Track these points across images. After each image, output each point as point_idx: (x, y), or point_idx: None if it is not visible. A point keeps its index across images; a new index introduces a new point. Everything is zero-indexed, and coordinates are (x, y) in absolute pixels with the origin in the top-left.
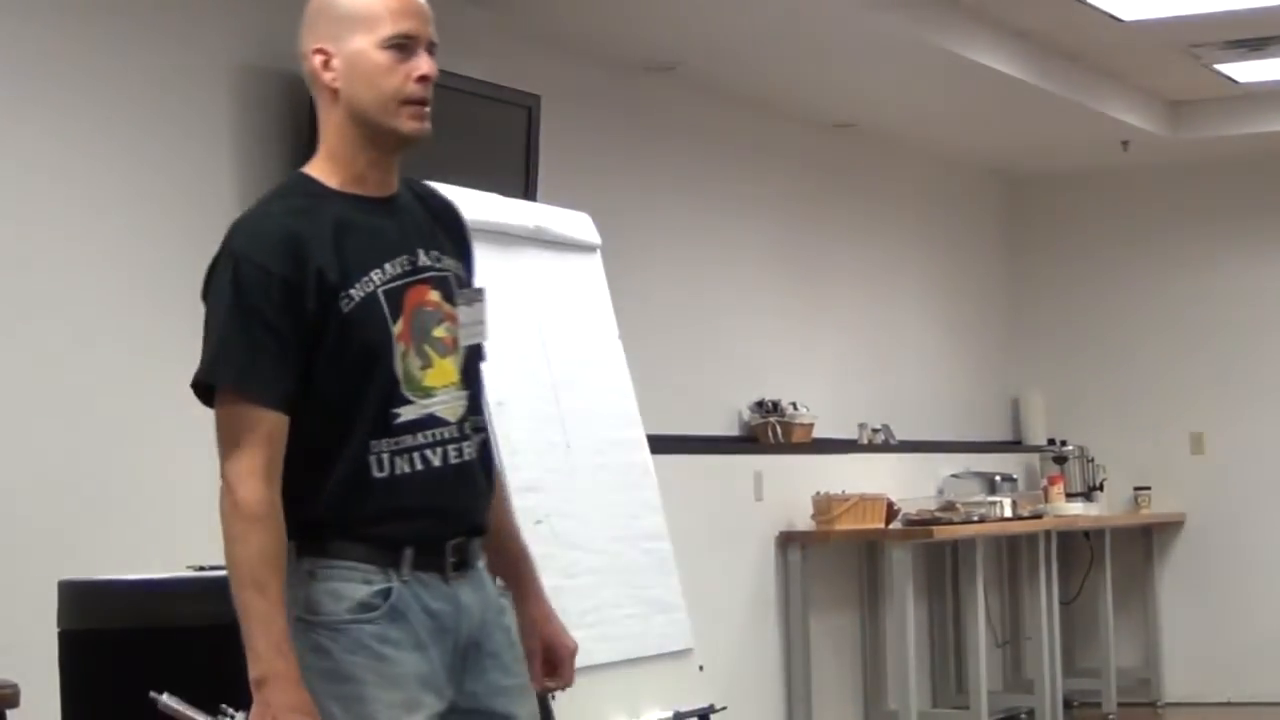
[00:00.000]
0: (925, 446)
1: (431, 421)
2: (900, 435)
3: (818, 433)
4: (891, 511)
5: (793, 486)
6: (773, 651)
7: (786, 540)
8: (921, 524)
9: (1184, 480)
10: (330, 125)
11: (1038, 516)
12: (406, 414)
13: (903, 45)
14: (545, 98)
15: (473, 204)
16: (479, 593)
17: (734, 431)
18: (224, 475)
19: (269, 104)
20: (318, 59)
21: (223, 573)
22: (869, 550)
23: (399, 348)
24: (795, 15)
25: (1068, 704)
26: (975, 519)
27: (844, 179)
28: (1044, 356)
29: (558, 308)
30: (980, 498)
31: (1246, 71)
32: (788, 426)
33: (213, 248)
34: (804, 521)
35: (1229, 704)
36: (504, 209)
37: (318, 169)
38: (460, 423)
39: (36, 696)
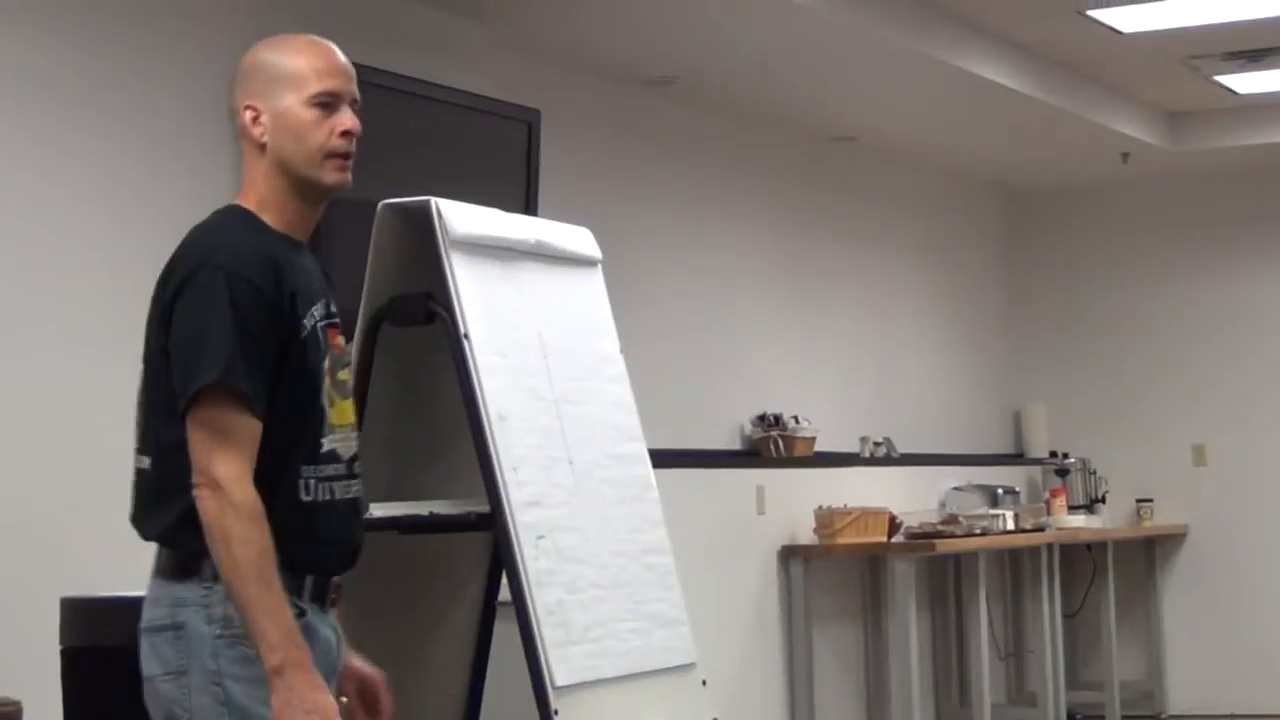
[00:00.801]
0: (927, 460)
1: (334, 456)
2: (902, 448)
3: (819, 446)
4: (894, 525)
5: (795, 500)
6: (776, 665)
7: (789, 554)
8: (924, 537)
9: (1186, 492)
10: (259, 176)
11: (1040, 529)
12: (326, 444)
13: (902, 58)
14: (545, 112)
15: (473, 219)
16: (336, 629)
17: (736, 445)
18: (215, 474)
19: None
20: (248, 114)
21: None
22: (871, 564)
23: (325, 381)
24: (794, 28)
25: (1071, 716)
26: (978, 532)
27: (844, 192)
28: (1045, 369)
29: (559, 322)
30: (982, 511)
31: (1246, 83)
32: (789, 440)
33: None
34: (806, 535)
35: (1233, 716)
36: (505, 224)
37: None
38: (351, 461)
39: (39, 714)
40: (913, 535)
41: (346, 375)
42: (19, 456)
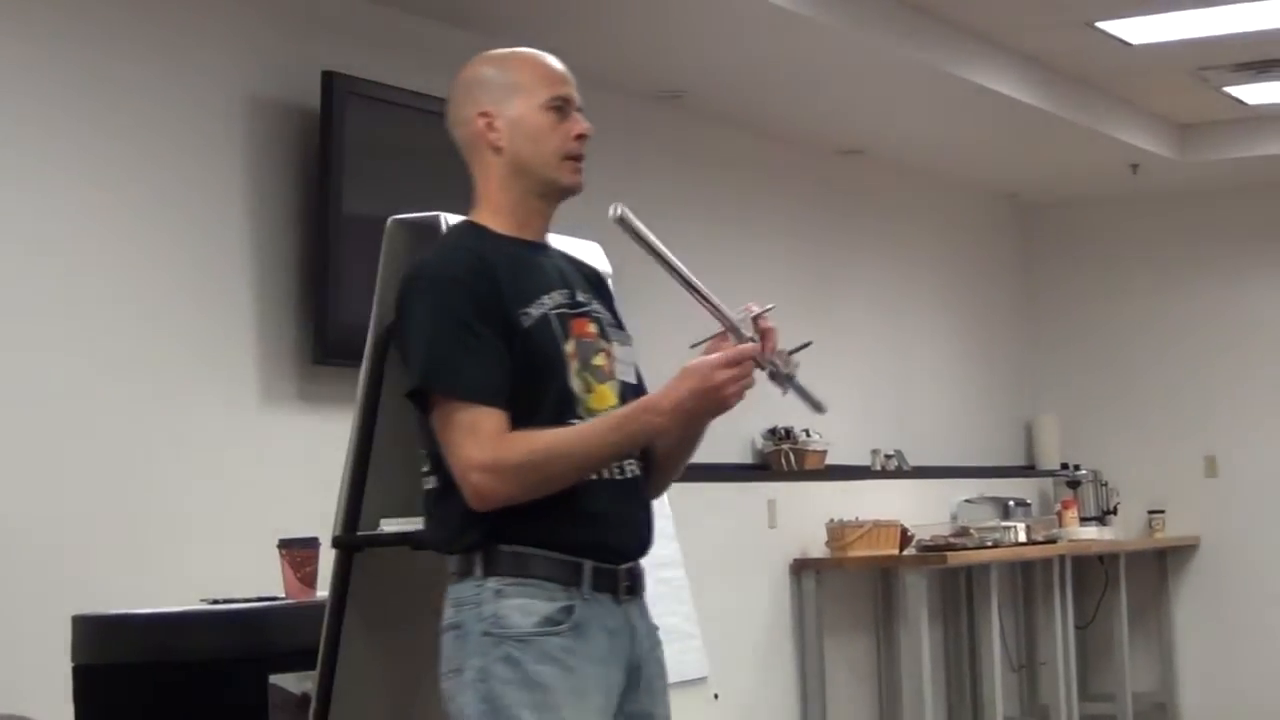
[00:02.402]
0: (939, 472)
1: None
2: (914, 461)
3: (831, 459)
4: (905, 538)
5: (806, 513)
6: (788, 678)
7: (801, 567)
8: (936, 550)
9: (1198, 503)
10: (492, 181)
11: (1052, 541)
12: None
13: (910, 70)
14: None
15: None
16: (644, 620)
17: (747, 459)
18: (463, 471)
19: (280, 134)
20: (481, 121)
21: (236, 607)
22: (883, 576)
23: (572, 365)
24: (802, 42)
25: None
26: (989, 544)
27: (854, 205)
28: (1057, 381)
29: None
30: (994, 523)
31: (1255, 94)
32: (801, 453)
33: (226, 277)
34: (818, 548)
35: None
36: None
37: (482, 219)
38: None
39: None
40: (924, 548)
41: (602, 360)
42: (29, 474)
